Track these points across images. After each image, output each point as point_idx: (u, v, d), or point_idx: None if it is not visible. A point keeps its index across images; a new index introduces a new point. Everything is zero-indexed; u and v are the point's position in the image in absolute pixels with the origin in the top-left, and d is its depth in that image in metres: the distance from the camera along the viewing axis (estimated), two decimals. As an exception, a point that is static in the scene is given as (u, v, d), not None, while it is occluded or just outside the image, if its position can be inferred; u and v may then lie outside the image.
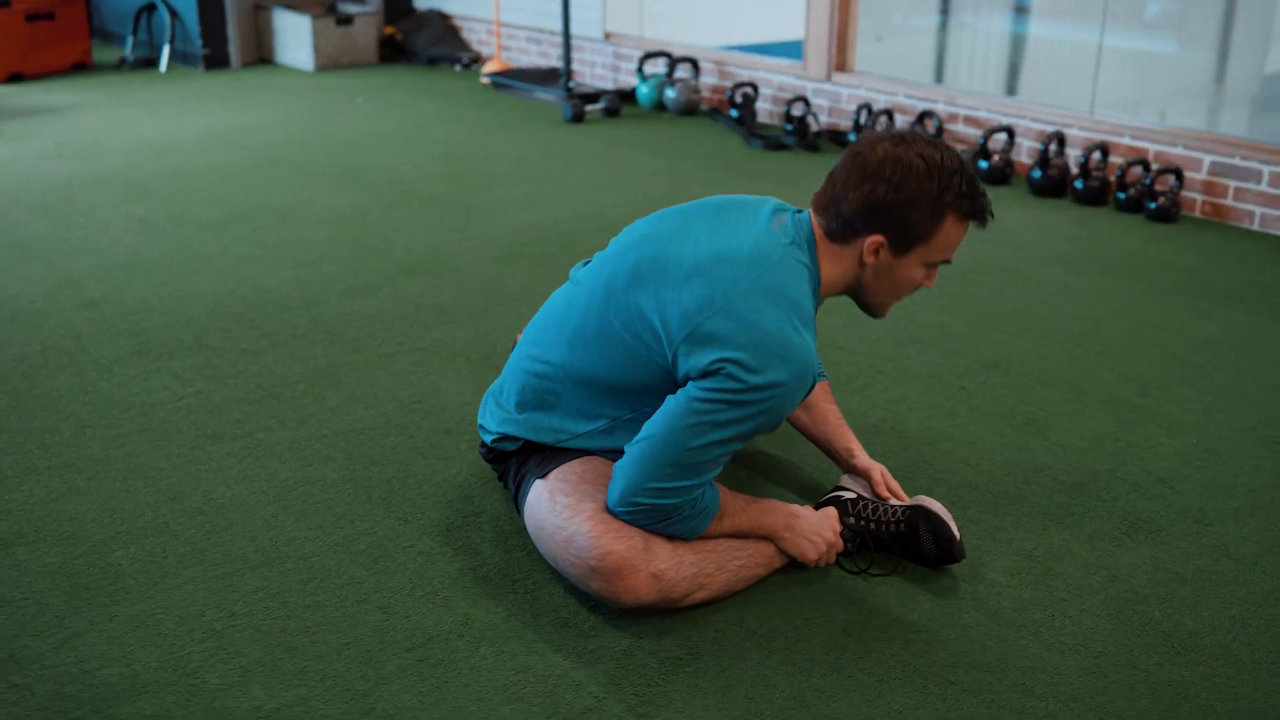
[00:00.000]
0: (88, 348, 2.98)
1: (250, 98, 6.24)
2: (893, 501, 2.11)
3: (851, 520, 2.09)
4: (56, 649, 1.86)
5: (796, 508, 2.04)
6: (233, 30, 7.05)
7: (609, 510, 1.87)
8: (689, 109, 5.69)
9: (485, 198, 4.32)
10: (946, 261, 1.92)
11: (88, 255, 3.69)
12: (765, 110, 5.56)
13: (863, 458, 2.20)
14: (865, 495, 2.15)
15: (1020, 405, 2.67)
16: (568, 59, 5.82)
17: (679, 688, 1.77)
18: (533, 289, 3.37)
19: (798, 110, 5.23)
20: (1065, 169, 4.34)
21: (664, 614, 1.92)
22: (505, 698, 1.75)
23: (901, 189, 1.81)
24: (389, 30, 7.37)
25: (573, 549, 1.87)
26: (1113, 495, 2.30)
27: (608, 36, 6.33)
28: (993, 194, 4.37)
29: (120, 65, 7.20)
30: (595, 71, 6.45)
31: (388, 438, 2.52)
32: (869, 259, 1.88)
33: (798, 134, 5.03)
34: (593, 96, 5.72)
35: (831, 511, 2.09)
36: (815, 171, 4.67)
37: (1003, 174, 4.50)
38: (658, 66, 5.94)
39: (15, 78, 6.78)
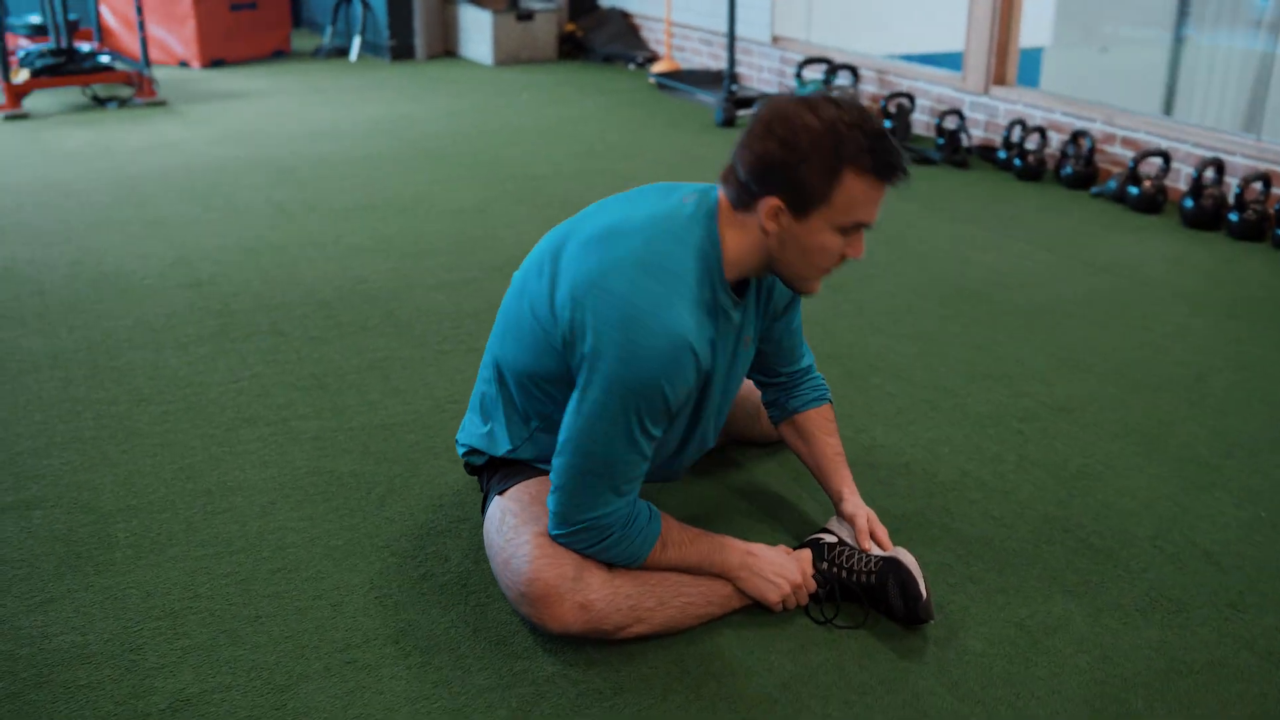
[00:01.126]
0: (174, 326, 3.14)
1: (424, 89, 6.44)
2: (873, 550, 1.98)
3: (824, 565, 1.98)
4: (29, 612, 1.96)
5: (756, 546, 1.94)
6: (419, 23, 7.30)
7: (551, 535, 1.82)
8: (845, 117, 5.52)
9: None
10: (865, 225, 1.74)
11: (213, 237, 3.88)
12: (922, 123, 5.34)
13: (851, 501, 2.07)
14: (848, 541, 2.02)
15: (1077, 457, 2.46)
16: (731, 61, 5.75)
17: (643, 703, 1.72)
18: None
19: (950, 124, 5.00)
20: (1221, 199, 3.99)
21: (603, 644, 1.86)
22: (413, 710, 1.73)
23: (793, 145, 1.66)
24: (570, 27, 7.47)
25: (509, 571, 1.83)
26: (1142, 565, 2.09)
27: (775, 40, 6.22)
28: (1139, 223, 4.06)
29: (315, 54, 7.57)
30: (762, 76, 6.35)
31: (409, 435, 2.55)
32: (769, 225, 1.73)
33: (948, 149, 4.81)
34: (747, 100, 5.64)
35: (805, 554, 1.98)
36: (955, 189, 4.46)
37: (1154, 202, 4.17)
38: (817, 73, 5.80)
39: (217, 63, 7.23)
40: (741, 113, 5.61)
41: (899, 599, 1.90)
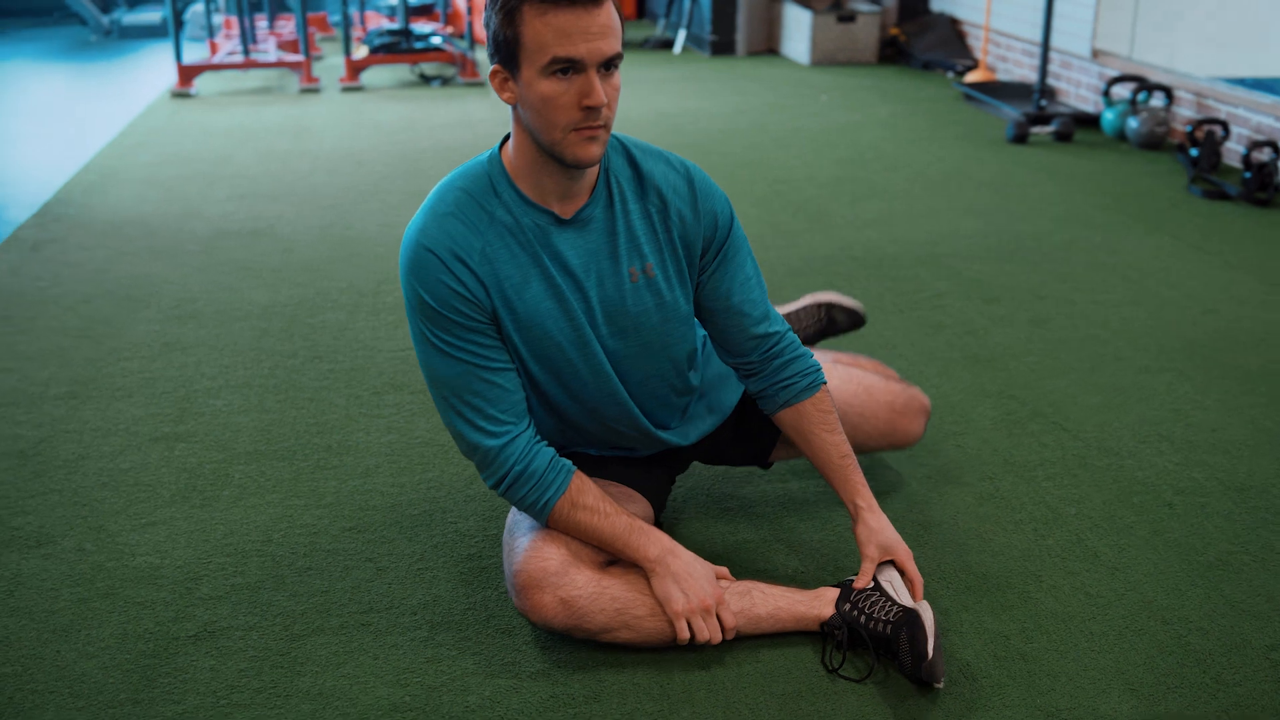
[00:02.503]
0: (381, 292, 3.37)
1: (725, 85, 6.50)
2: (899, 598, 1.84)
3: (846, 607, 1.85)
4: (132, 531, 2.19)
5: (685, 552, 1.84)
6: (742, 19, 7.36)
7: None
8: (1152, 142, 5.06)
9: (848, 207, 4.20)
10: (574, 62, 1.60)
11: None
12: (1236, 154, 4.80)
13: (866, 524, 1.89)
14: (887, 591, 1.88)
15: (1224, 543, 2.16)
16: (1042, 74, 5.42)
17: (607, 715, 1.71)
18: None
19: (1262, 156, 4.46)
20: None
21: (597, 650, 1.84)
22: (394, 679, 1.79)
23: (486, 8, 1.66)
24: (894, 31, 7.29)
25: (507, 562, 1.85)
26: (1236, 677, 1.80)
27: (1095, 54, 5.78)
28: None
29: (644, 44, 7.80)
30: (1079, 92, 5.93)
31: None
32: (506, 97, 1.69)
33: (1252, 184, 4.30)
34: (1044, 117, 5.29)
35: (716, 571, 1.87)
36: (1241, 231, 3.99)
37: None
38: (1127, 91, 5.33)
39: (550, 49, 7.60)
40: (1037, 130, 5.27)
41: (907, 654, 1.76)
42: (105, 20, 8.35)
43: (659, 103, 6.03)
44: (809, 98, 6.19)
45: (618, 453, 2.02)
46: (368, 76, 6.73)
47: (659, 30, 8.00)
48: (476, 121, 5.60)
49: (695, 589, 1.80)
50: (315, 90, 6.39)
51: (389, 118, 5.71)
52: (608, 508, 1.82)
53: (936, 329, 3.11)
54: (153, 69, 7.17)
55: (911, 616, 1.79)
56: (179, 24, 6.41)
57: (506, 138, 1.79)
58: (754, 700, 1.75)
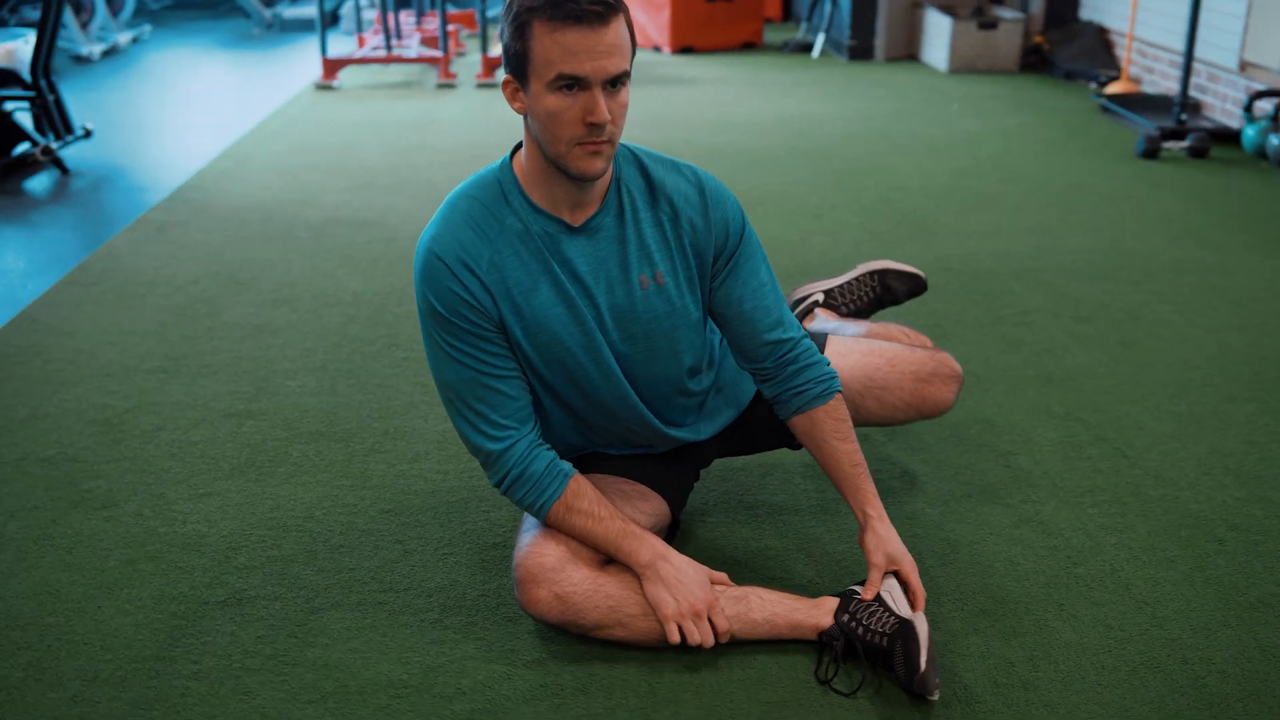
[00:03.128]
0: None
1: (855, 90, 6.42)
2: (898, 609, 1.82)
3: (845, 618, 1.84)
4: (188, 500, 2.33)
5: (677, 556, 1.86)
6: (881, 24, 7.26)
7: None
8: (1295, 161, 4.81)
9: (955, 218, 4.12)
10: (579, 79, 1.62)
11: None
12: (1387, 175, 4.51)
13: (874, 534, 1.89)
14: (888, 603, 1.86)
15: (1269, 583, 2.05)
16: (1184, 86, 5.20)
17: (532, 712, 1.75)
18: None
19: None
20: None
21: (594, 646, 1.88)
22: (396, 657, 1.86)
23: (501, 21, 1.69)
24: (1038, 39, 7.08)
25: (513, 556, 1.90)
26: (1252, 724, 1.73)
27: (1243, 67, 5.51)
28: None
29: (783, 47, 7.78)
30: (1225, 106, 5.65)
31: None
32: (516, 107, 1.73)
33: (1395, 209, 4.04)
34: (1179, 132, 5.07)
35: (712, 576, 1.88)
36: (1374, 256, 3.76)
37: None
38: (1270, 105, 5.06)
39: (686, 50, 7.65)
40: (1170, 145, 5.06)
41: (901, 667, 1.74)
42: (268, 14, 8.75)
43: (786, 106, 6.01)
44: (939, 106, 6.07)
45: (637, 450, 2.05)
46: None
47: (801, 33, 7.96)
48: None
49: (685, 594, 1.82)
50: (451, 86, 6.57)
51: (515, 114, 5.83)
52: (603, 512, 1.85)
53: (1015, 346, 3.03)
54: (304, 62, 7.48)
55: (907, 629, 1.77)
56: (331, 19, 6.67)
57: (519, 146, 1.83)
58: (738, 705, 1.76)
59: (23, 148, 4.78)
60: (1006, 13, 7.12)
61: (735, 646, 1.88)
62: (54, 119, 4.83)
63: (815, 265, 3.61)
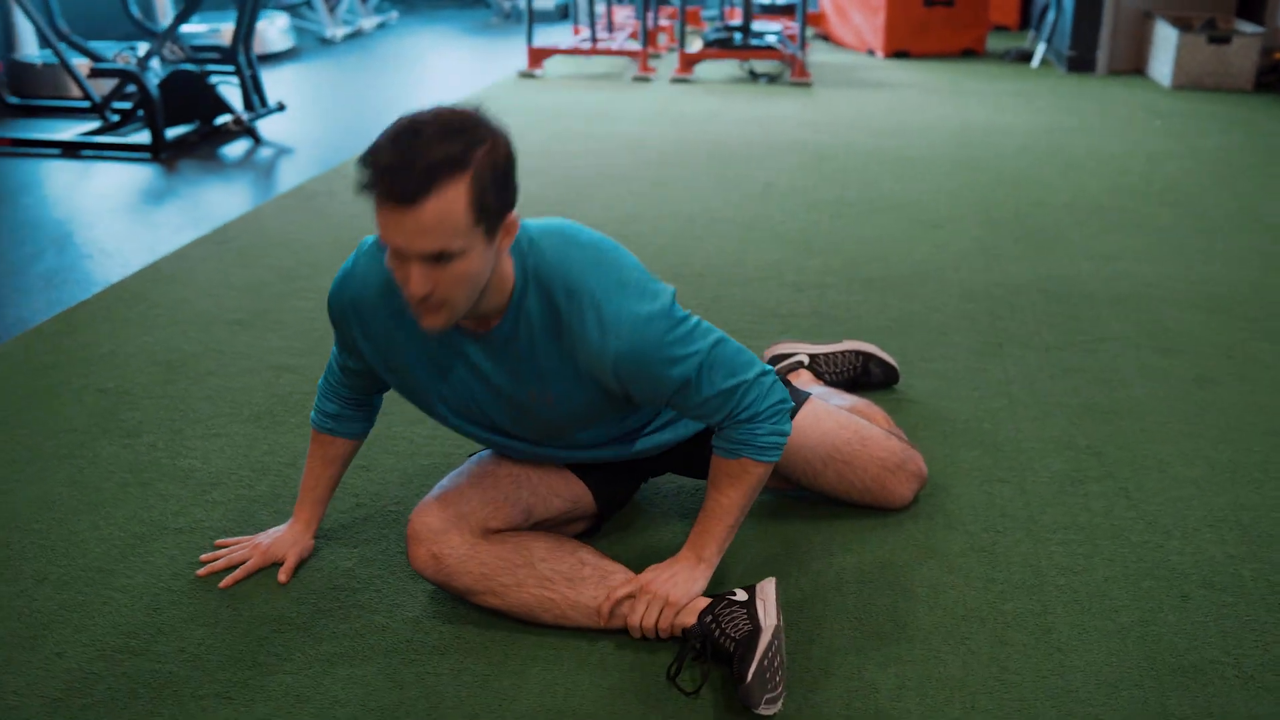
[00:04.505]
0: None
1: (1057, 104, 6.11)
2: (761, 617, 1.78)
3: (709, 619, 1.83)
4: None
5: (299, 526, 2.08)
6: (1105, 34, 6.86)
7: None
8: None
9: (1088, 239, 3.88)
10: (400, 251, 1.54)
11: (660, 205, 4.24)
12: None
13: (678, 568, 1.88)
14: (758, 610, 1.82)
15: (1220, 653, 1.87)
16: None
17: (389, 664, 1.83)
18: (954, 346, 3.10)
19: None
20: None
21: (481, 611, 1.94)
22: (294, 597, 1.99)
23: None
24: (1278, 56, 6.50)
25: (411, 514, 1.99)
26: None
27: None
28: None
29: (1004, 56, 7.47)
30: None
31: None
32: None
33: None
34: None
35: (291, 544, 2.08)
36: None
37: None
38: None
39: (900, 55, 7.48)
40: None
41: (739, 673, 1.72)
42: (506, 4, 9.15)
43: (971, 116, 5.80)
44: (1140, 123, 5.69)
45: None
46: (702, 70, 6.96)
47: (1027, 42, 7.62)
48: (776, 118, 5.66)
49: (264, 538, 2.11)
50: (646, 80, 6.70)
51: (696, 110, 5.90)
52: (319, 467, 2.11)
53: (1070, 373, 2.85)
54: (522, 52, 7.80)
55: (748, 638, 1.75)
56: (562, 13, 6.90)
57: None
58: (579, 686, 1.78)
59: (224, 118, 5.24)
60: (1246, 26, 6.58)
61: (582, 634, 1.90)
62: (249, 93, 5.27)
63: (902, 275, 3.51)
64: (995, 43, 7.99)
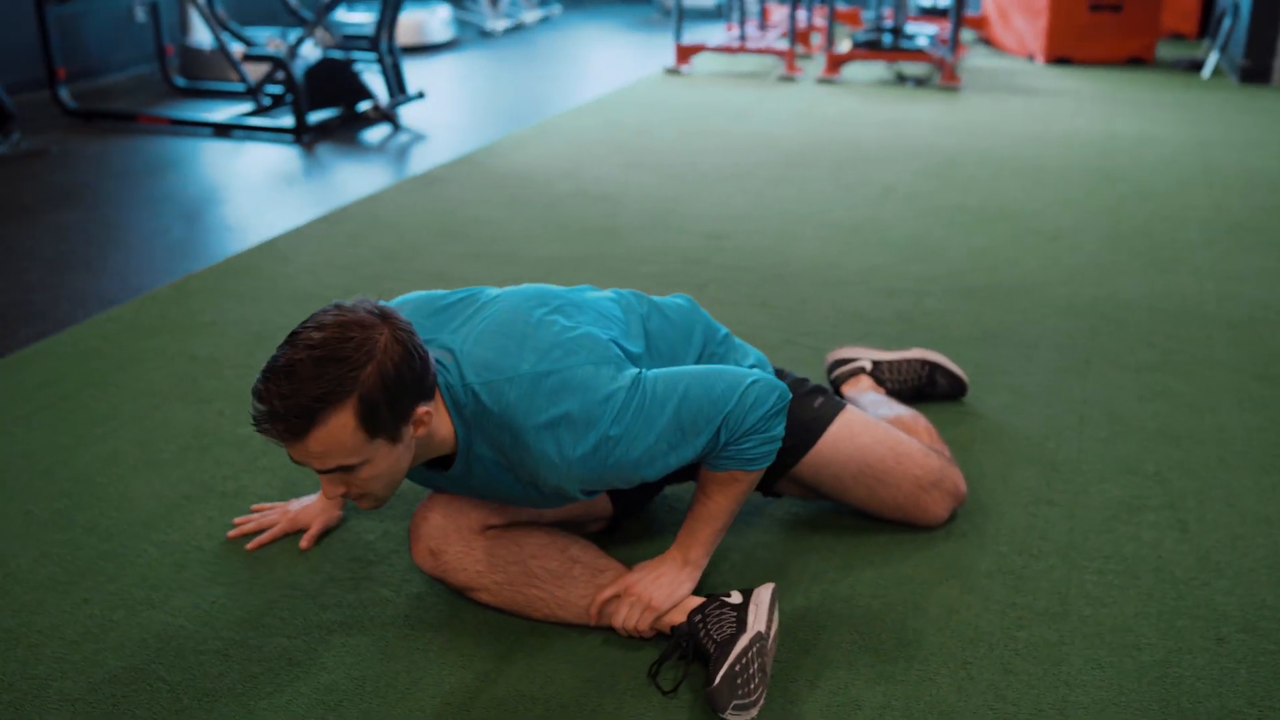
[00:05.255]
0: (644, 259, 3.58)
1: (1215, 116, 5.78)
2: (749, 620, 1.75)
3: (697, 619, 1.80)
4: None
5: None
6: (1284, 45, 6.44)
7: None
8: None
9: (1214, 257, 3.66)
10: (319, 471, 1.61)
11: (794, 205, 4.19)
12: None
13: (664, 565, 1.86)
14: (749, 613, 1.79)
15: (1239, 699, 1.74)
16: None
17: (359, 643, 1.87)
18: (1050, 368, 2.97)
19: None
20: None
21: (465, 598, 1.97)
22: (310, 566, 2.05)
23: None
24: None
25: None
26: None
27: None
28: None
29: (1173, 66, 7.10)
30: None
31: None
32: None
33: None
34: None
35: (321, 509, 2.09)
36: None
37: None
38: None
39: (1061, 61, 7.19)
40: None
41: (710, 674, 1.69)
42: (669, 0, 9.19)
43: (1123, 125, 5.53)
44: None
45: None
46: (851, 71, 6.84)
47: (1201, 51, 7.23)
48: (912, 122, 5.53)
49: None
50: (791, 80, 6.63)
51: (833, 111, 5.81)
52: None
53: (1157, 395, 2.70)
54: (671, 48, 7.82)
55: (728, 640, 1.72)
56: (722, 10, 6.90)
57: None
58: (558, 675, 1.79)
59: (365, 104, 5.43)
60: None
61: (575, 628, 1.90)
62: (390, 81, 5.44)
63: (1006, 286, 3.38)
64: (1167, 51, 7.61)
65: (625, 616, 1.83)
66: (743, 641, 1.71)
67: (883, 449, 2.10)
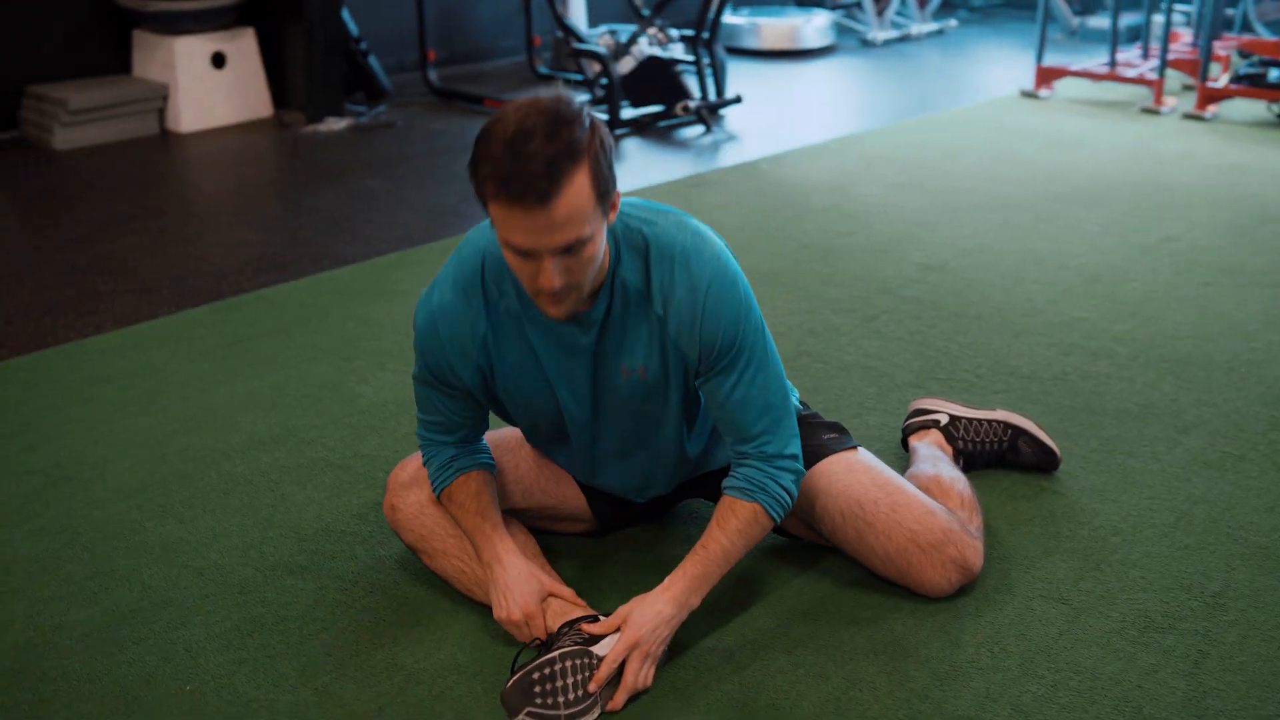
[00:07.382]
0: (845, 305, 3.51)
1: None
2: (595, 648, 1.78)
3: (565, 630, 1.87)
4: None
5: (515, 561, 1.92)
6: None
7: None
8: None
9: None
10: (525, 251, 1.60)
11: (1033, 246, 3.91)
12: None
13: (652, 599, 1.84)
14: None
15: None
16: None
17: (325, 616, 2.06)
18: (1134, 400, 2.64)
19: None
20: None
21: (421, 567, 2.11)
22: (295, 544, 2.28)
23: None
24: None
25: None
26: None
27: None
28: None
29: None
30: None
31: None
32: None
33: None
34: None
35: (548, 588, 1.92)
36: None
37: None
38: None
39: None
40: None
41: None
42: (1075, 21, 8.63)
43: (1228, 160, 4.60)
44: None
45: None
46: (1228, 109, 6.13)
47: None
48: (1255, 169, 4.90)
49: (509, 600, 1.89)
50: (1155, 113, 6.06)
51: (1169, 149, 5.26)
52: (471, 506, 1.96)
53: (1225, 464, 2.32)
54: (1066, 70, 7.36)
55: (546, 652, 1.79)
56: (1133, 34, 6.44)
57: None
58: (479, 644, 1.89)
59: (682, 104, 5.63)
60: None
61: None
62: (705, 83, 5.60)
63: (1216, 361, 2.98)
64: None
65: (642, 675, 1.81)
66: (550, 654, 1.77)
67: (879, 493, 2.00)
